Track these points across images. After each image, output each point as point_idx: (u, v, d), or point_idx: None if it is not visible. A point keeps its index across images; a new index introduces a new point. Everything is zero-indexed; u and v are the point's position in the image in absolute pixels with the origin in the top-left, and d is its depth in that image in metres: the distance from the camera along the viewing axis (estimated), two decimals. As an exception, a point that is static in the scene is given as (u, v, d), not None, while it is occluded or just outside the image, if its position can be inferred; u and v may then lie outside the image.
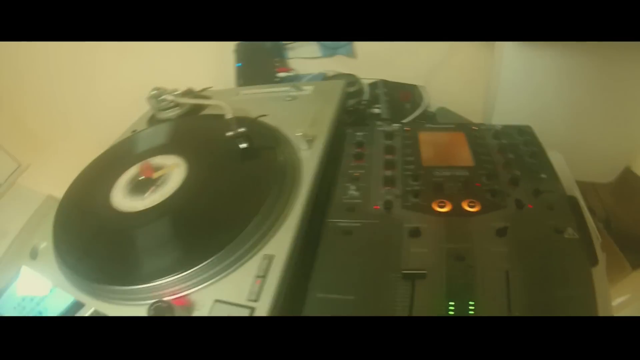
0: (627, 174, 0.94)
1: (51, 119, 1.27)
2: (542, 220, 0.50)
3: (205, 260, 0.44)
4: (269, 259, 0.45)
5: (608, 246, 0.81)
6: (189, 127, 0.73)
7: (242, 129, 0.57)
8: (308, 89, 0.75)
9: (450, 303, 0.42)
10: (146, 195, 0.57)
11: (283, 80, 0.96)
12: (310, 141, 0.59)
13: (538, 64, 0.77)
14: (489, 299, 0.42)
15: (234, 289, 0.43)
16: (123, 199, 0.58)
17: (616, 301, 0.94)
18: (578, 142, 0.82)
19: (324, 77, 0.91)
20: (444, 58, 0.96)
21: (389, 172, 0.58)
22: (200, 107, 0.77)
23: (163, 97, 0.74)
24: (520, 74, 0.79)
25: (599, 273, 0.52)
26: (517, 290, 0.43)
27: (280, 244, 0.47)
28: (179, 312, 0.41)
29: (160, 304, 0.41)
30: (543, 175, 0.56)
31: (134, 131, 0.76)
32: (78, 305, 0.83)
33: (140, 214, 0.54)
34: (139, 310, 0.43)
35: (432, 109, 0.90)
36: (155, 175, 0.60)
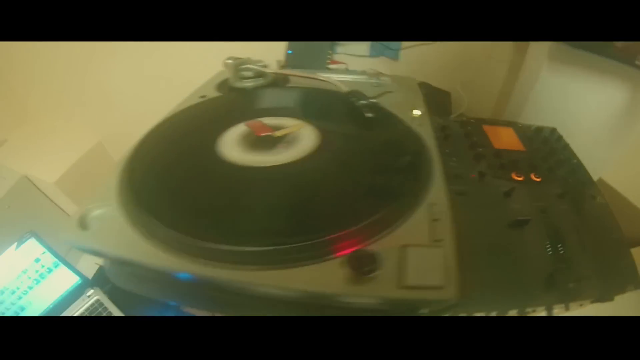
0: (599, 185, 1.16)
1: (31, 91, 1.17)
2: (581, 190, 0.70)
3: (378, 213, 0.47)
4: (434, 206, 0.51)
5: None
6: (304, 96, 0.77)
7: (373, 100, 0.67)
8: (386, 79, 0.85)
9: (547, 244, 0.60)
10: (278, 150, 0.60)
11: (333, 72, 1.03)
12: (419, 119, 0.71)
13: (561, 83, 0.99)
14: (568, 241, 0.60)
15: (413, 235, 0.47)
16: (243, 154, 0.59)
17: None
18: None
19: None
20: (476, 69, 1.14)
21: (474, 151, 0.74)
22: (285, 81, 0.83)
23: (246, 66, 0.79)
24: (547, 90, 1.00)
25: None
26: (583, 236, 0.62)
27: (437, 194, 0.54)
28: (376, 259, 0.43)
29: (358, 253, 0.44)
30: (574, 161, 0.77)
31: (202, 96, 0.78)
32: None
33: (281, 168, 0.56)
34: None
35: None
36: (277, 133, 0.63)
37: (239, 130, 0.66)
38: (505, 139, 0.80)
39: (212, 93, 0.80)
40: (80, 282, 0.86)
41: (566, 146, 0.81)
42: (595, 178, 1.09)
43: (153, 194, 0.52)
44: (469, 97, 1.14)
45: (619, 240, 0.64)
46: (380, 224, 0.48)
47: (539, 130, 0.85)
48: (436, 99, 1.02)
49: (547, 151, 0.78)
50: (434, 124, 0.76)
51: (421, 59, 1.14)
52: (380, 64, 1.15)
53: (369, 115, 0.67)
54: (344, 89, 0.69)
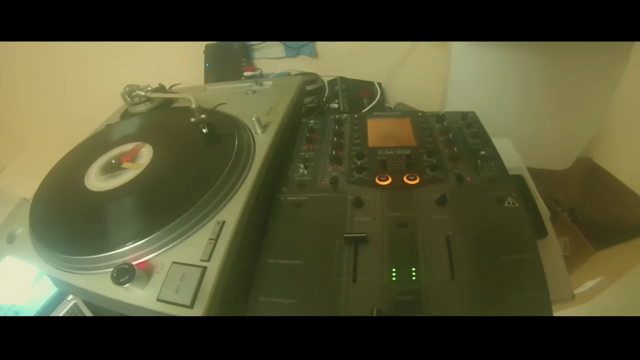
0: (590, 166, 1.00)
1: (28, 121, 1.32)
2: (482, 191, 0.54)
3: (163, 227, 0.48)
4: (221, 223, 0.49)
5: (571, 231, 0.87)
6: (159, 118, 0.78)
7: (203, 116, 0.62)
8: (268, 84, 0.80)
9: (393, 270, 0.45)
10: (116, 175, 0.61)
11: (249, 80, 1.01)
12: (264, 126, 0.64)
13: (486, 60, 0.83)
14: (432, 264, 0.46)
15: (190, 251, 0.47)
16: (96, 181, 0.61)
17: (588, 285, 0.99)
18: (531, 132, 0.88)
19: (288, 76, 0.97)
20: (402, 57, 1.02)
21: (336, 153, 0.63)
22: (170, 102, 0.82)
23: (135, 92, 0.79)
24: (469, 70, 0.85)
25: (550, 244, 0.58)
26: (459, 255, 0.46)
27: (231, 212, 0.51)
28: (139, 274, 0.44)
29: (123, 265, 0.45)
30: (483, 152, 0.61)
31: (107, 125, 0.80)
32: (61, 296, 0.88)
33: (111, 192, 0.58)
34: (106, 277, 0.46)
35: (391, 104, 0.96)
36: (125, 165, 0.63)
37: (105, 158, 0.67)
38: (392, 133, 0.67)
39: (116, 121, 0.82)
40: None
41: (477, 133, 0.65)
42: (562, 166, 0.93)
43: (42, 221, 0.59)
44: (402, 86, 1.00)
45: (529, 261, 0.45)
46: (162, 237, 0.49)
47: (448, 116, 0.70)
48: (358, 92, 0.91)
49: (446, 142, 0.63)
50: (304, 125, 0.71)
51: (344, 51, 1.04)
52: (301, 63, 1.08)
53: (204, 130, 0.64)
54: (193, 106, 0.65)
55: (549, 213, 0.65)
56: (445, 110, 0.86)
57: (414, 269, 0.45)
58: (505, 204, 0.52)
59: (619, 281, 1.03)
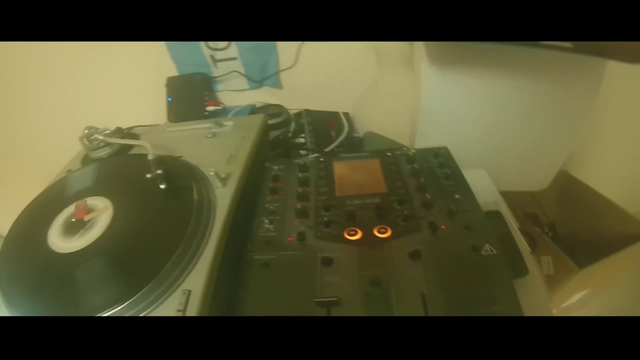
0: (568, 179, 0.99)
1: None
2: (457, 240, 0.52)
3: (129, 299, 0.46)
4: (187, 293, 0.46)
5: (553, 250, 0.86)
6: (117, 167, 0.74)
7: (159, 171, 0.59)
8: (229, 124, 0.77)
9: None
10: (76, 237, 0.57)
11: (212, 114, 0.99)
12: (224, 179, 0.61)
13: (456, 87, 0.81)
14: None
15: None
16: (58, 240, 0.57)
17: (574, 298, 0.99)
18: (506, 157, 0.86)
19: (253, 108, 0.94)
20: (368, 86, 1.01)
21: (302, 205, 0.60)
22: (128, 147, 0.78)
23: (94, 136, 0.75)
24: (439, 98, 0.83)
25: (533, 281, 0.55)
26: (435, 312, 0.44)
27: (197, 279, 0.48)
28: None
29: None
30: (457, 196, 0.59)
31: (68, 171, 0.75)
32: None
33: (70, 256, 0.54)
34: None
35: (360, 134, 0.93)
36: (86, 217, 0.60)
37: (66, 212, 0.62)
38: (359, 178, 0.65)
39: (77, 166, 0.77)
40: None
41: (450, 174, 0.63)
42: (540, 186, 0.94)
43: (8, 280, 0.55)
44: (371, 114, 0.98)
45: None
46: (130, 309, 0.46)
47: (419, 155, 0.68)
48: (325, 125, 0.88)
49: (418, 186, 0.61)
50: (268, 172, 0.68)
51: (308, 82, 1.02)
52: (265, 95, 1.06)
53: (162, 186, 0.60)
54: (150, 157, 0.62)
55: (529, 249, 0.63)
56: (416, 141, 0.84)
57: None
58: (483, 252, 0.50)
59: (605, 294, 1.02)
